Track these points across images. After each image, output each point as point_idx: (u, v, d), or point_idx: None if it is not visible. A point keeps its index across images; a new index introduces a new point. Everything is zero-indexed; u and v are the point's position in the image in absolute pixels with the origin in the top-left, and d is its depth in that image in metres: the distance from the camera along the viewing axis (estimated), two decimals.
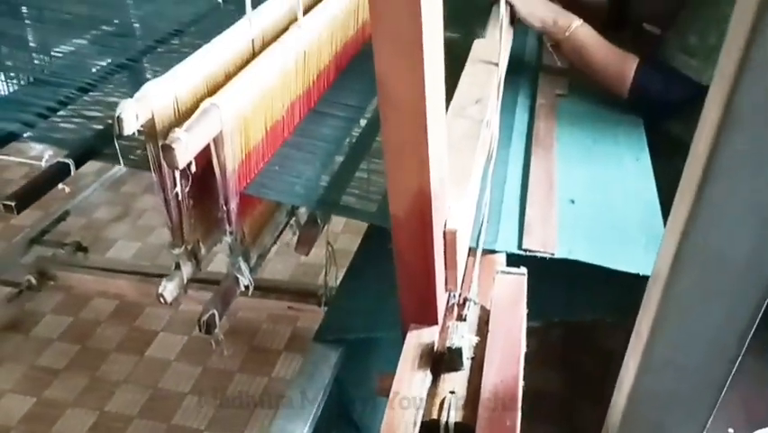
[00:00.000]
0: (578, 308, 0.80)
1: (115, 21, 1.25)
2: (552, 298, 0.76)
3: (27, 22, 1.29)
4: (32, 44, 1.21)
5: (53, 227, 2.00)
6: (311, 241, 1.09)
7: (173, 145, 0.61)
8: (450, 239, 0.54)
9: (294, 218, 1.03)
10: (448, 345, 0.53)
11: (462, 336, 0.53)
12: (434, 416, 0.49)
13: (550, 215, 0.77)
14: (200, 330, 0.79)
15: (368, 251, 1.06)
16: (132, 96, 0.65)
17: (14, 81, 1.03)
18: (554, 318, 0.84)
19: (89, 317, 1.84)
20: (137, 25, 1.22)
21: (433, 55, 0.43)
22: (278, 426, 0.82)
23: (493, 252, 0.72)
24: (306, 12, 0.91)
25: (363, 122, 0.98)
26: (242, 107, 0.73)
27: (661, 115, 1.05)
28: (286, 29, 0.94)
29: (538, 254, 0.71)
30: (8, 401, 1.58)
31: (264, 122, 0.81)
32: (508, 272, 0.65)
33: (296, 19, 0.91)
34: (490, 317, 0.59)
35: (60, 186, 0.81)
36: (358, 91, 1.01)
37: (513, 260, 0.72)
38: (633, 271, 0.69)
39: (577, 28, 1.02)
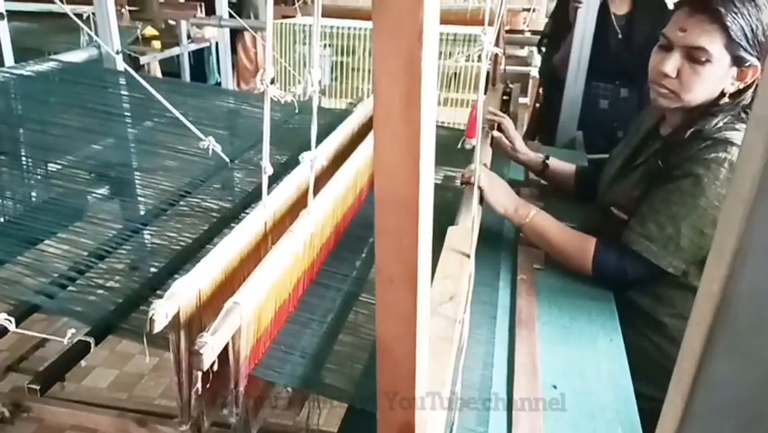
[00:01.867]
0: None
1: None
2: None
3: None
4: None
5: (31, 354, 1.99)
6: (302, 401, 1.13)
7: (201, 351, 0.67)
8: None
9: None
10: None
11: None
12: None
13: (536, 404, 0.84)
14: None
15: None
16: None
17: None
18: None
19: None
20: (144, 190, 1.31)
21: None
22: None
23: None
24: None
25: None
26: (259, 300, 0.81)
27: (625, 290, 1.16)
28: (295, 205, 1.05)
29: None
30: None
31: (275, 305, 0.89)
32: None
33: (305, 198, 1.01)
34: None
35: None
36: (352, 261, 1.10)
37: None
38: None
39: (535, 215, 1.17)
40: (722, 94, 1.09)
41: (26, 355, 1.97)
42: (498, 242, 1.26)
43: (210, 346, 0.69)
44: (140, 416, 1.75)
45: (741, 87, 1.08)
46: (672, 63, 1.09)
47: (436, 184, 1.50)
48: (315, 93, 0.85)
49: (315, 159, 0.92)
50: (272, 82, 0.84)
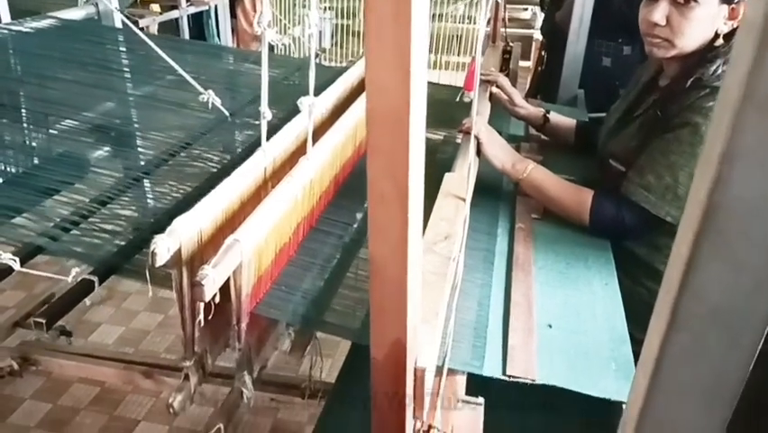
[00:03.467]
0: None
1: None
2: (534, 421, 0.84)
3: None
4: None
5: (37, 310, 2.03)
6: (304, 346, 1.15)
7: (203, 282, 0.69)
8: (420, 376, 0.62)
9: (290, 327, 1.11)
10: None
11: None
12: None
13: (530, 341, 0.86)
14: None
15: (352, 371, 1.12)
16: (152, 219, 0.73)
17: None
18: None
19: (69, 404, 1.84)
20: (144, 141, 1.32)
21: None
22: None
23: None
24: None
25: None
26: (259, 239, 0.82)
27: (622, 240, 1.17)
28: (294, 153, 1.06)
29: (520, 380, 0.80)
30: None
31: (275, 247, 0.90)
32: (467, 402, 0.74)
33: (304, 147, 1.01)
34: None
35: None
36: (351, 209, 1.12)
37: (496, 381, 0.80)
38: (604, 396, 0.78)
39: (532, 170, 1.18)
40: (716, 35, 1.08)
41: (32, 312, 2.00)
42: (497, 192, 1.27)
43: (211, 278, 0.70)
44: (146, 368, 1.79)
45: (735, 26, 1.08)
46: (659, 11, 1.09)
47: (437, 140, 1.51)
48: (314, 35, 0.85)
49: (313, 105, 0.93)
50: (269, 26, 0.84)
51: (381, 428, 0.64)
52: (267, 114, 0.91)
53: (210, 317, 0.83)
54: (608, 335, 0.91)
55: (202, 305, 0.74)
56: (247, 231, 0.79)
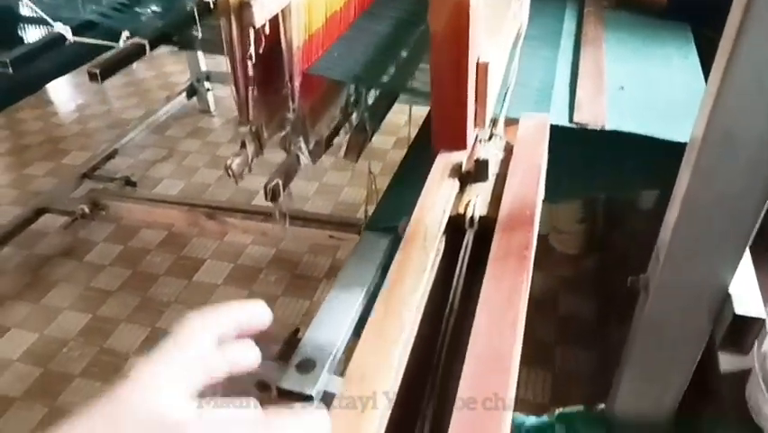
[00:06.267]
0: (625, 184, 0.83)
1: None
2: (600, 173, 0.79)
3: None
4: None
5: (103, 165, 2.10)
6: (359, 147, 1.13)
7: (251, 2, 0.65)
8: (482, 70, 0.57)
9: (346, 123, 1.08)
10: (476, 157, 0.57)
11: (489, 152, 0.57)
12: (461, 211, 0.53)
13: (600, 97, 0.80)
14: (266, 198, 0.84)
15: (413, 158, 1.10)
16: None
17: None
18: (602, 192, 0.87)
19: (139, 246, 1.93)
20: None
21: None
22: (331, 300, 0.87)
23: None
24: None
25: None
26: None
27: (703, 21, 1.06)
28: None
29: (588, 127, 0.74)
30: (66, 317, 1.68)
31: (324, 10, 0.85)
32: (532, 116, 0.69)
33: None
34: (515, 148, 0.62)
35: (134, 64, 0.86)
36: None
37: (563, 134, 0.75)
38: (680, 140, 0.72)
39: None
40: None
41: (98, 166, 2.08)
42: None
43: (260, 2, 0.67)
44: (209, 210, 1.84)
45: None
46: None
47: None
48: None
49: None
50: None
51: (441, 128, 0.60)
52: None
53: (260, 80, 0.81)
54: (686, 96, 0.84)
55: (252, 33, 0.71)
56: None
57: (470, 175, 0.57)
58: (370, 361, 0.40)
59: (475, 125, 0.61)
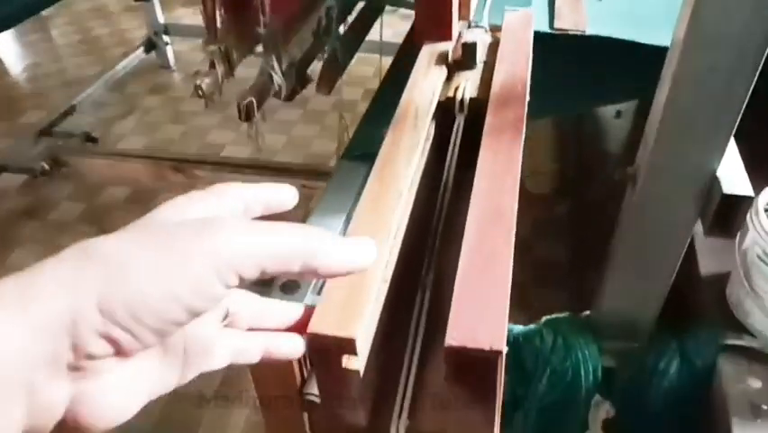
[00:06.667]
0: (606, 93, 0.83)
1: None
2: (581, 83, 0.78)
3: None
4: None
5: (60, 122, 2.01)
6: (332, 80, 1.10)
7: None
8: None
9: (319, 54, 1.05)
10: (463, 41, 0.55)
11: (476, 36, 0.56)
12: (450, 95, 0.52)
13: (579, 4, 0.79)
14: (240, 117, 0.81)
15: (389, 93, 1.07)
16: None
17: None
18: (584, 107, 0.87)
19: (103, 203, 1.87)
20: None
21: None
22: (311, 224, 0.85)
23: None
24: None
25: None
26: None
27: None
28: None
29: (569, 32, 0.73)
30: None
31: None
32: (516, 11, 0.67)
33: None
34: (501, 38, 0.60)
35: None
36: None
37: (542, 44, 0.74)
38: (663, 44, 0.71)
39: None
40: None
41: (56, 122, 1.99)
42: None
43: None
44: (176, 163, 1.79)
45: None
46: None
47: None
48: None
49: None
50: None
51: (423, 20, 0.57)
52: None
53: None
54: (667, 5, 0.83)
55: None
56: None
57: (458, 64, 0.55)
58: (367, 229, 0.38)
59: (460, 17, 0.59)
